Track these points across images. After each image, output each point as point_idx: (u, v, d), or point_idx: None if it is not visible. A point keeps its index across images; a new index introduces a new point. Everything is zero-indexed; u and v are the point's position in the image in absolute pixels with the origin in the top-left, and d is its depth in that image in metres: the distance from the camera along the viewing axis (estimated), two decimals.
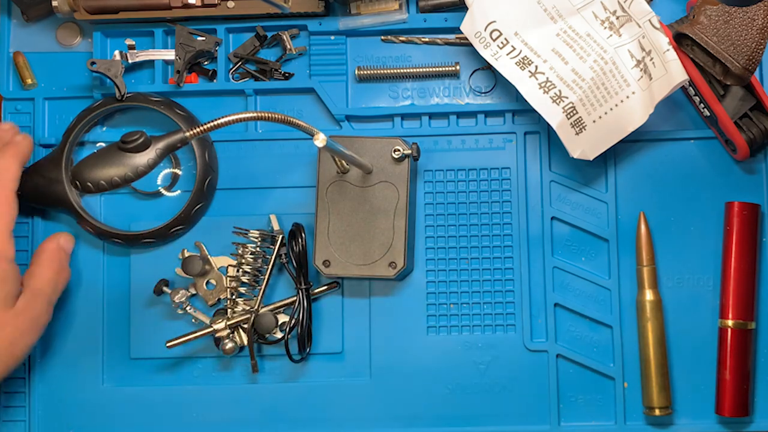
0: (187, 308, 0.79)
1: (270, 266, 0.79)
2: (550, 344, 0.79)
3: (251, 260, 0.79)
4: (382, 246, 0.76)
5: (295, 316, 0.78)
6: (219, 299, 0.80)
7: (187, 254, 0.79)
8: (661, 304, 0.77)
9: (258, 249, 0.79)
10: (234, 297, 0.79)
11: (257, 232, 0.79)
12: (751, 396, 0.76)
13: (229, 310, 0.79)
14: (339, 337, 0.80)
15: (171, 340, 0.78)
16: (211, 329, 0.78)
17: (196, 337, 0.78)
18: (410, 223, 0.78)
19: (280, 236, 0.79)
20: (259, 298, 0.79)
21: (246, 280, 0.79)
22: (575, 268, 0.79)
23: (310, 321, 0.79)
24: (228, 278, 0.79)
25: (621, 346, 0.78)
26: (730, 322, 0.76)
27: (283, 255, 0.79)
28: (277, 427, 0.80)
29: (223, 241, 0.80)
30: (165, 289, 0.80)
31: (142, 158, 0.61)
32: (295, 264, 0.78)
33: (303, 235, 0.78)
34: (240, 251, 0.79)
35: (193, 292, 0.80)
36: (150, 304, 0.81)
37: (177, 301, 0.78)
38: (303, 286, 0.78)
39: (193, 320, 0.79)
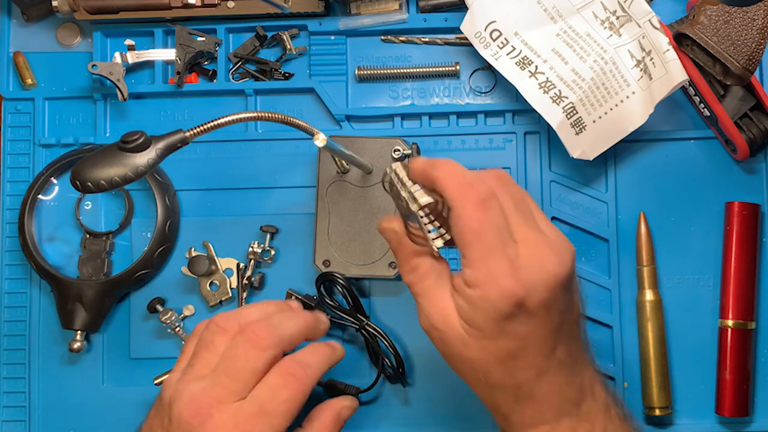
0: (176, 329, 0.79)
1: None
2: None
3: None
4: (382, 246, 0.76)
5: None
6: (221, 301, 0.80)
7: (194, 253, 0.79)
8: (661, 304, 0.77)
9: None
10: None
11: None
12: (751, 396, 0.76)
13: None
14: (339, 337, 0.80)
15: (159, 376, 0.77)
16: None
17: None
18: None
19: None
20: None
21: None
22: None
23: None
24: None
25: (621, 346, 0.78)
26: (730, 322, 0.75)
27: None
28: None
29: (225, 242, 0.80)
30: (158, 307, 0.79)
31: (142, 158, 0.61)
32: (343, 309, 0.77)
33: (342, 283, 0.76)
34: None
35: (187, 314, 0.80)
36: None
37: (164, 320, 0.78)
38: (363, 323, 0.76)
39: (183, 342, 0.79)
